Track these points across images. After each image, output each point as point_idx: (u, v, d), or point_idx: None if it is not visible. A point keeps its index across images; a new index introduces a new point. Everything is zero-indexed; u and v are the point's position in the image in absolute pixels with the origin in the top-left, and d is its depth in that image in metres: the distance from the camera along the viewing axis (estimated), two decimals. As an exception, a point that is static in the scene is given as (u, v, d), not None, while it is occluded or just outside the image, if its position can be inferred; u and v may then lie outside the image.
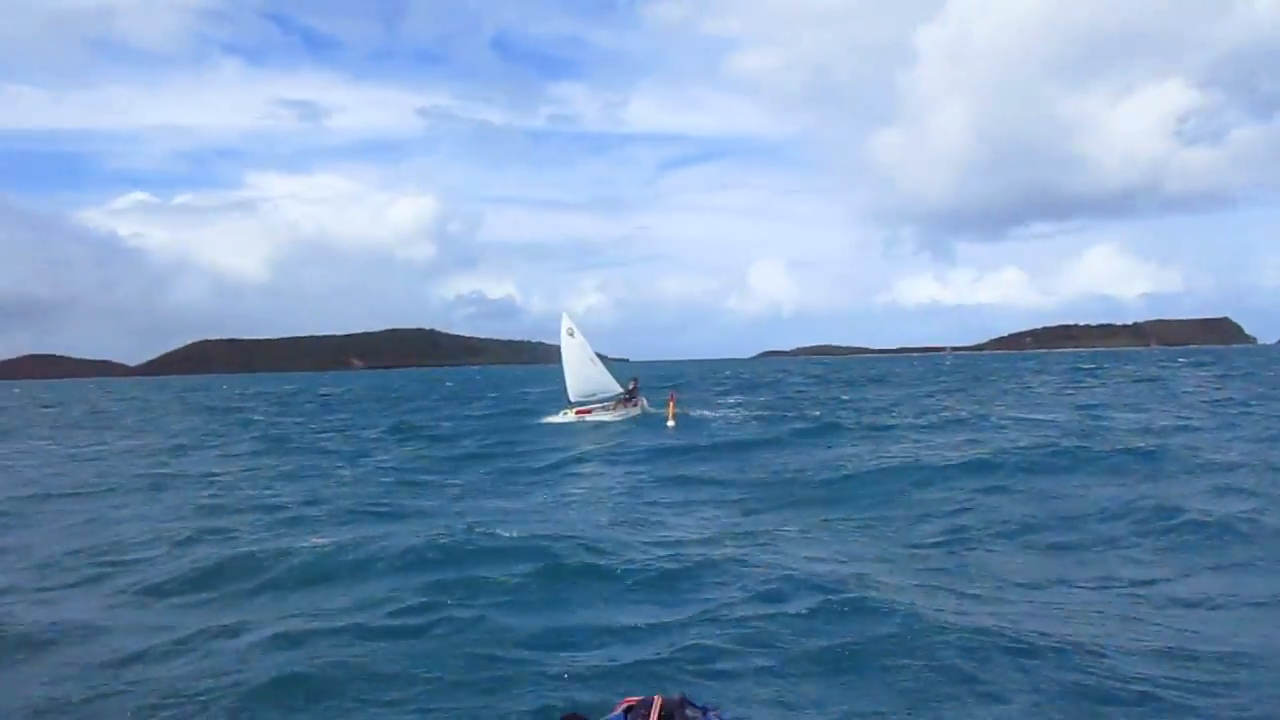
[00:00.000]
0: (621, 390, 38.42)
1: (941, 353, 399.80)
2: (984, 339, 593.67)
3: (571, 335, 38.38)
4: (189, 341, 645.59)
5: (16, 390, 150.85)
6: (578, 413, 36.87)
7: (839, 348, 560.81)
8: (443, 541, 12.12)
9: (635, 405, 37.66)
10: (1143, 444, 20.61)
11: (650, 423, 33.66)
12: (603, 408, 37.42)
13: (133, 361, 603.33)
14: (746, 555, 11.32)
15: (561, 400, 37.90)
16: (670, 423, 32.63)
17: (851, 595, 9.32)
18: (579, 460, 23.94)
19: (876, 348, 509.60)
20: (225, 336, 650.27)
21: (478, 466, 22.77)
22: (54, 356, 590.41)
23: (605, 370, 39.09)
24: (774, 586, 9.76)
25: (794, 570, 10.41)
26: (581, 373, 38.39)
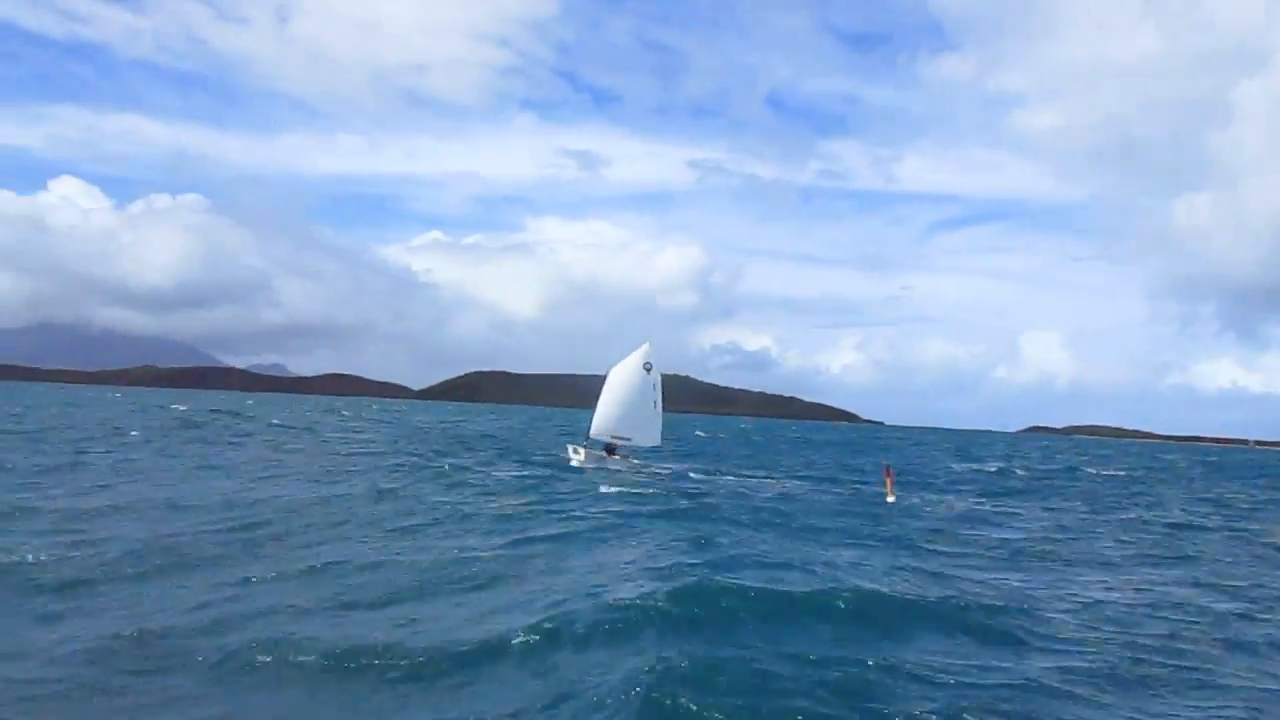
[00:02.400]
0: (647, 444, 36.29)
1: (1245, 445, 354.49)
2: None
3: (648, 371, 35.96)
4: (464, 372, 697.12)
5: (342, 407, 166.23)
6: (601, 452, 35.09)
7: (1117, 429, 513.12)
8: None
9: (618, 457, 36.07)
10: None
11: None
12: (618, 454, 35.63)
13: (415, 386, 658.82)
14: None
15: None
16: (890, 498, 30.74)
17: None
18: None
19: (1162, 434, 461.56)
20: (495, 369, 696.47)
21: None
22: (351, 376, 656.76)
23: (658, 421, 36.42)
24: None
25: None
26: (634, 409, 35.65)
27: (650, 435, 35.50)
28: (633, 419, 35.20)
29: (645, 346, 35.75)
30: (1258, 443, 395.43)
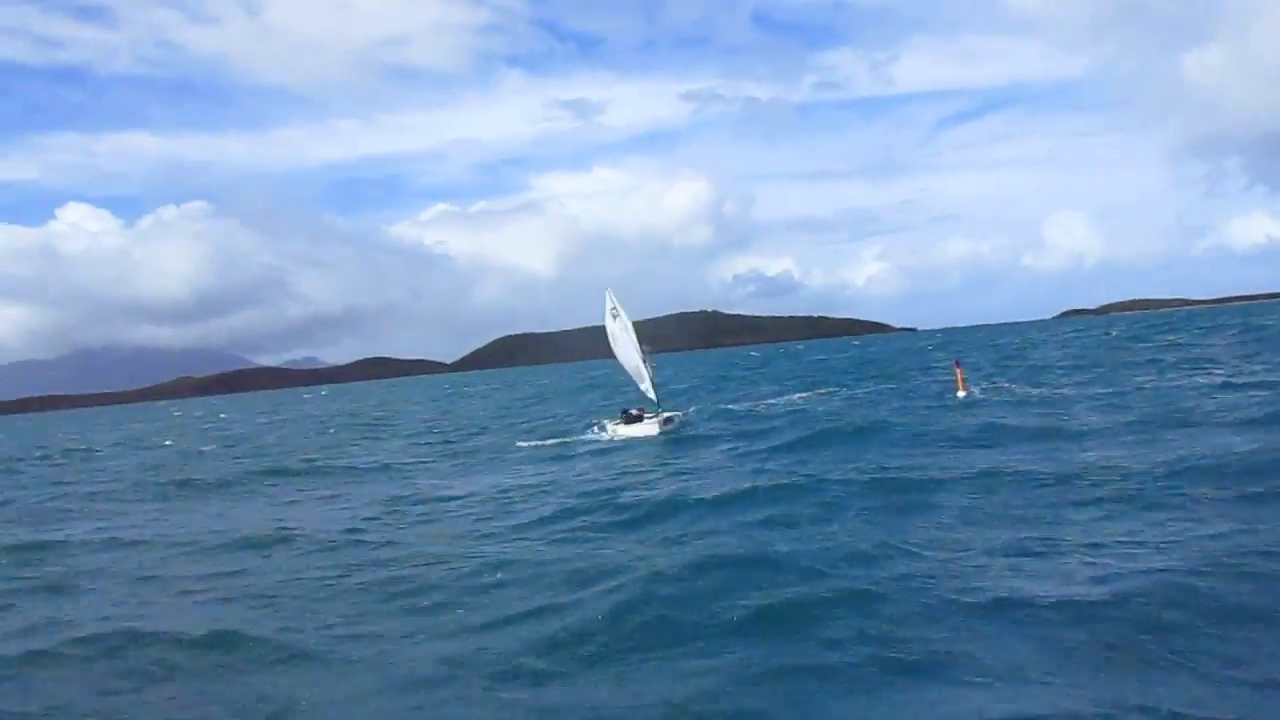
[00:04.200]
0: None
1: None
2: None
3: (615, 317, 30.56)
4: (493, 338, 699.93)
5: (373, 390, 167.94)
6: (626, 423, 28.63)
7: (1154, 301, 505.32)
8: None
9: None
10: None
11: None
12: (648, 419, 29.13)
13: (448, 359, 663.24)
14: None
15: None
16: (961, 393, 31.10)
17: None
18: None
19: (1201, 298, 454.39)
20: (522, 331, 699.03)
21: None
22: (383, 359, 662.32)
23: (647, 367, 31.25)
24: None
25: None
26: (635, 366, 31.01)
27: (647, 388, 31.34)
28: (641, 374, 31.39)
29: (607, 294, 30.87)
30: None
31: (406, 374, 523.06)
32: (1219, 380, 27.81)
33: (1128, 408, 23.38)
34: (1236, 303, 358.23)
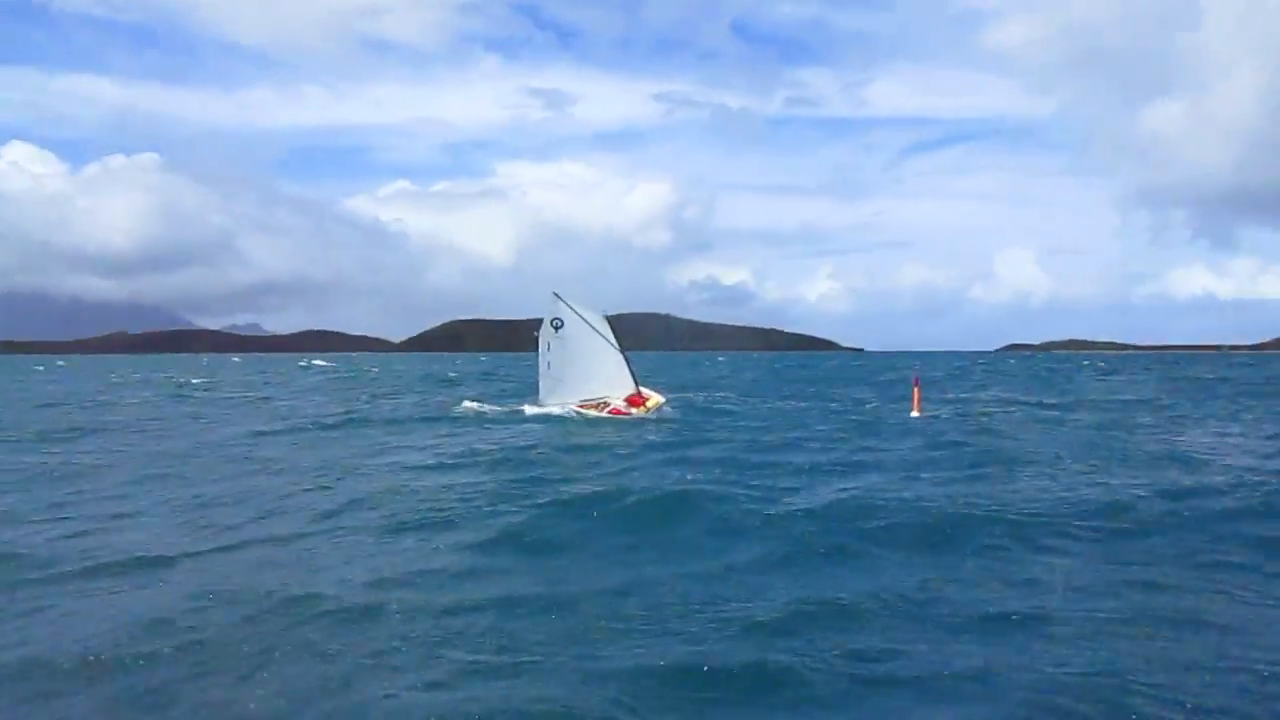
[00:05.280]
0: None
1: (1219, 351, 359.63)
2: (1267, 337, 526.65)
3: (558, 327, 31.64)
4: (444, 321, 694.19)
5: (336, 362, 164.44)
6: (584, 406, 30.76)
7: (1094, 343, 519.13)
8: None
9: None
10: None
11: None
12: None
13: (396, 338, 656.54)
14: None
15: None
16: (915, 412, 31.32)
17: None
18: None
19: (1139, 344, 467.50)
20: (474, 316, 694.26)
21: None
22: (329, 332, 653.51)
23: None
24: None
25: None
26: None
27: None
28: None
29: (553, 300, 32.02)
30: (1231, 348, 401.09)
31: (351, 349, 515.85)
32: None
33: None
34: (1173, 351, 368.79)
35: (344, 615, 8.28)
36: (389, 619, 8.20)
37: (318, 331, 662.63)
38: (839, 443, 22.16)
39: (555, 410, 30.93)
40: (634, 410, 30.67)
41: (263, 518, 12.91)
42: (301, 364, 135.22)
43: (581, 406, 31.01)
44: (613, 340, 32.17)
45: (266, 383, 66.46)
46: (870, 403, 38.57)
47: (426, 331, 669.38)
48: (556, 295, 32.15)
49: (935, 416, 30.08)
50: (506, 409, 32.02)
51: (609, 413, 30.50)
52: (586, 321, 32.07)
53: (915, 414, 30.93)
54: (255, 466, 18.34)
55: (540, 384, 32.35)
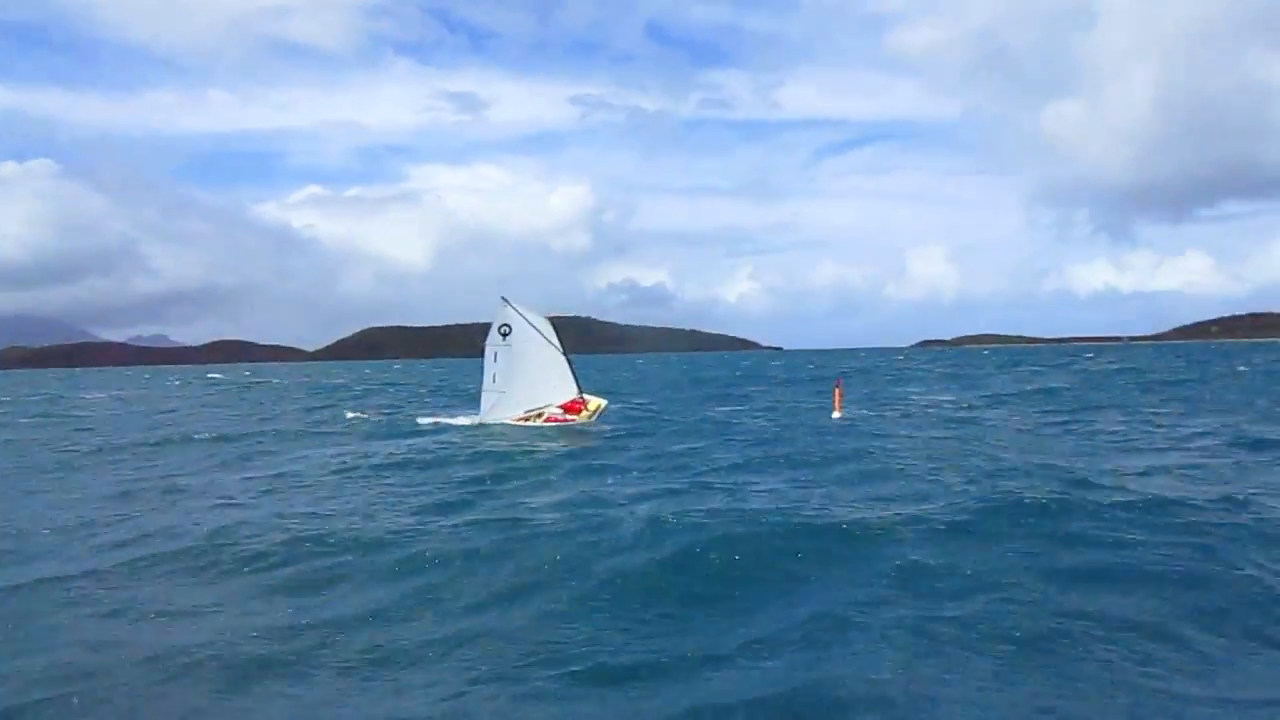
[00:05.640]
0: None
1: (1119, 342, 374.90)
2: (1165, 328, 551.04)
3: (505, 334, 29.81)
4: (360, 328, 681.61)
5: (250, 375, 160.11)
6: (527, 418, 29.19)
7: (1004, 336, 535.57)
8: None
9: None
10: None
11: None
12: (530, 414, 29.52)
13: (310, 347, 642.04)
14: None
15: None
16: (836, 414, 31.08)
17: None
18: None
19: (1046, 337, 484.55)
20: (392, 324, 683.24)
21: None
22: (240, 342, 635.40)
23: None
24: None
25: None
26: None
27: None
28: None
29: (502, 306, 29.98)
30: (1131, 339, 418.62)
31: (263, 360, 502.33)
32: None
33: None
34: (1076, 343, 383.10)
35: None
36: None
37: (227, 342, 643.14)
38: (750, 447, 21.91)
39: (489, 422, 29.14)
40: (572, 417, 29.04)
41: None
42: (212, 375, 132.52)
43: (519, 420, 29.14)
44: (557, 343, 30.16)
45: (119, 398, 63.31)
46: (790, 403, 38.63)
47: (342, 340, 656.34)
48: (505, 300, 29.97)
49: (851, 424, 29.12)
50: (408, 418, 29.96)
51: (545, 421, 28.96)
52: (533, 326, 29.93)
53: (836, 415, 30.89)
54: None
55: (483, 398, 30.19)
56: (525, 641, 7.96)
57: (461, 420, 30.73)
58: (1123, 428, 24.71)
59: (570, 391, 29.62)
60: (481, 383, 30.49)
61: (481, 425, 29.11)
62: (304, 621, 8.75)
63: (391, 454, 21.92)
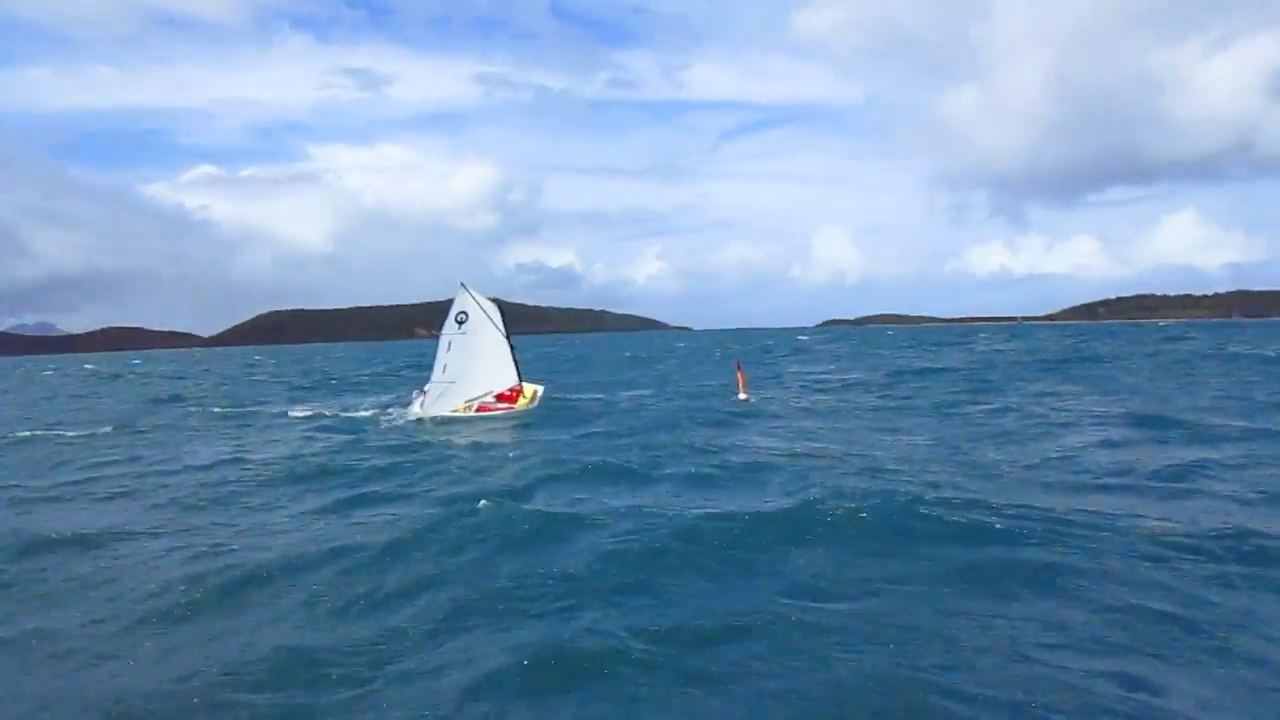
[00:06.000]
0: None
1: (1014, 322, 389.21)
2: (1057, 308, 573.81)
3: (461, 322, 28.97)
4: (259, 312, 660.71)
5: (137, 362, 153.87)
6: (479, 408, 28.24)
7: (904, 316, 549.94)
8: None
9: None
10: None
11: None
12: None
13: (207, 332, 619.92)
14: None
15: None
16: (742, 395, 31.29)
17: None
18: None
19: (945, 316, 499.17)
20: (293, 307, 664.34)
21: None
22: (131, 329, 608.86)
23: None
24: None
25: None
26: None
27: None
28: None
29: (461, 293, 29.24)
30: (1025, 319, 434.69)
31: (157, 346, 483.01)
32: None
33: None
34: (973, 323, 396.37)
35: None
36: None
37: (118, 329, 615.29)
38: (646, 434, 22.16)
39: (428, 416, 27.70)
40: (504, 406, 28.15)
41: None
42: (88, 365, 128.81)
43: (457, 411, 28.08)
44: (503, 329, 29.19)
45: None
46: (696, 382, 38.99)
47: (241, 324, 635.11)
48: (464, 286, 29.01)
49: (754, 408, 29.06)
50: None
51: (476, 410, 28.04)
52: (485, 312, 29.00)
53: (742, 396, 31.15)
54: None
55: (430, 389, 28.78)
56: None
57: (395, 417, 29.12)
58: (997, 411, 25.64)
59: (511, 378, 28.95)
60: (424, 372, 29.44)
61: (420, 421, 27.77)
62: None
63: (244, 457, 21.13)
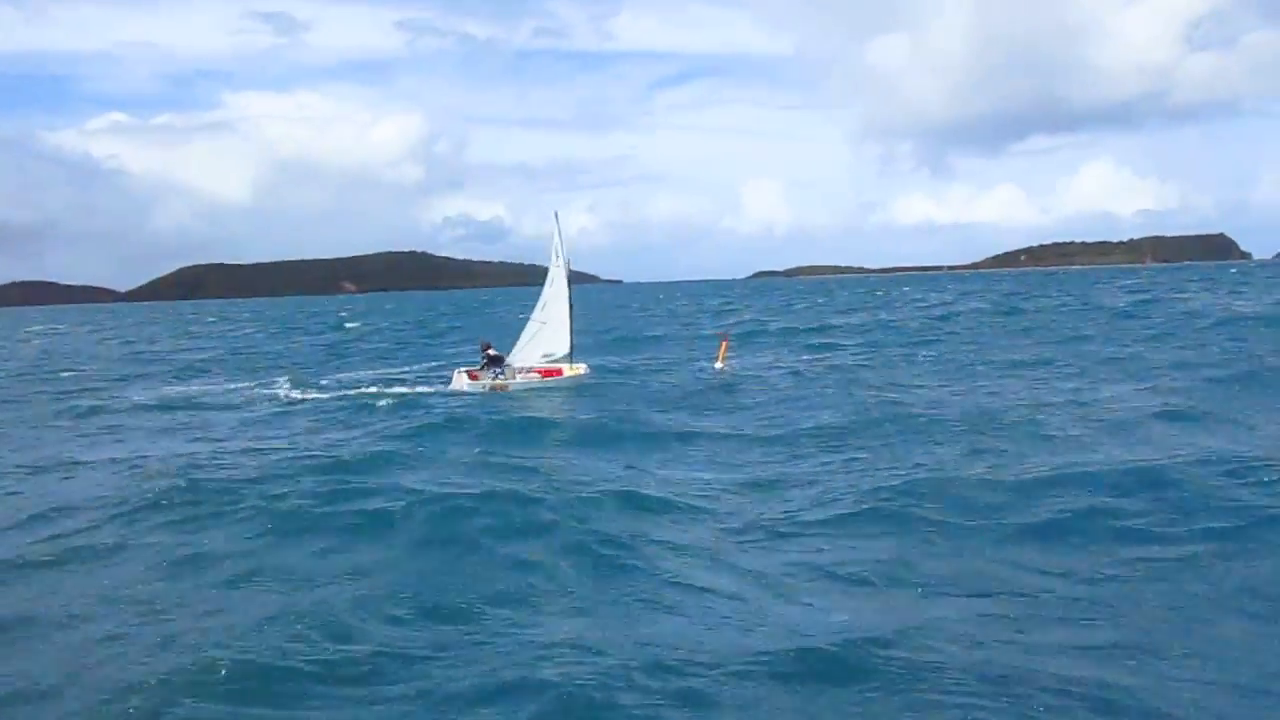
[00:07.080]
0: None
1: (939, 272, 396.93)
2: (980, 257, 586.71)
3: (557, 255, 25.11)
4: (179, 267, 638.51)
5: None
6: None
7: (834, 268, 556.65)
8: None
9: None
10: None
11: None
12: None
13: (122, 287, 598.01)
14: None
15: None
16: (719, 364, 28.68)
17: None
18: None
19: (873, 267, 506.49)
20: (214, 261, 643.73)
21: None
22: (41, 283, 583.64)
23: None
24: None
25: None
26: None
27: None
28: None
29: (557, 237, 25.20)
30: (950, 268, 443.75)
31: (70, 301, 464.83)
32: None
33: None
34: (899, 273, 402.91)
35: None
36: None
37: (27, 283, 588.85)
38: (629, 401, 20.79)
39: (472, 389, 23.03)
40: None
41: None
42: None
43: (474, 376, 24.04)
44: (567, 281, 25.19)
45: None
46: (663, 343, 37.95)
47: (158, 279, 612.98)
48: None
49: (736, 376, 25.87)
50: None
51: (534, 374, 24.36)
52: (561, 257, 25.17)
53: (719, 365, 29.45)
54: None
55: (521, 340, 24.89)
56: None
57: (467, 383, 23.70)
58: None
59: (564, 346, 25.06)
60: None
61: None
62: None
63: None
